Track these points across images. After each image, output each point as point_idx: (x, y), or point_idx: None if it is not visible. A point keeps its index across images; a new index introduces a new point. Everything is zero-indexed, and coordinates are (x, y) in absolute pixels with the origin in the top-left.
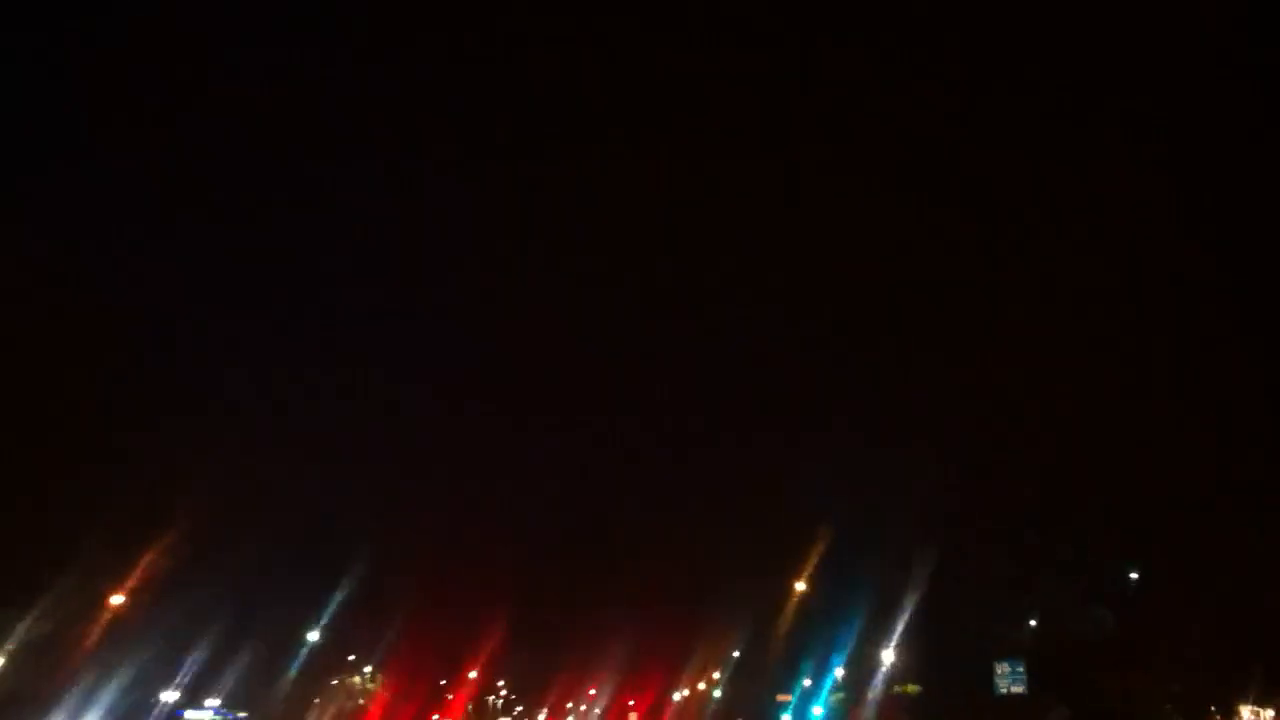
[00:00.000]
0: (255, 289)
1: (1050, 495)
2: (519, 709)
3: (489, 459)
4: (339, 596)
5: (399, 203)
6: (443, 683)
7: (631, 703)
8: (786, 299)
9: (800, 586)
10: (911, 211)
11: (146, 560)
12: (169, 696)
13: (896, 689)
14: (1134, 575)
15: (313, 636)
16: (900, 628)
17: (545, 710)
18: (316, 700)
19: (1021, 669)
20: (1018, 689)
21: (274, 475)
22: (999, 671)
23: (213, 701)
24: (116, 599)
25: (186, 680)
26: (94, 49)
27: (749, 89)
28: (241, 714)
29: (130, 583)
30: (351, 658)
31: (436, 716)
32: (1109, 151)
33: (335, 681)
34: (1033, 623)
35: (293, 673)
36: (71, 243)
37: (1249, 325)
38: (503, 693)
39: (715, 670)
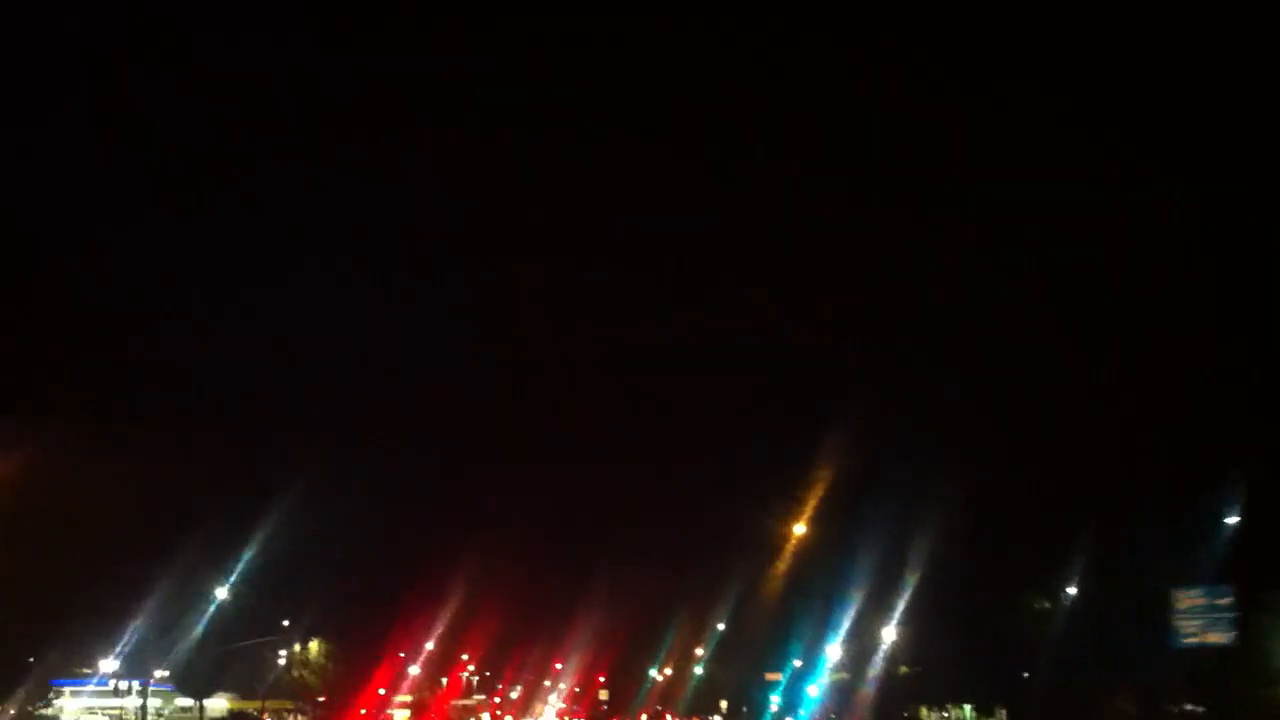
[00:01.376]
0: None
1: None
2: (499, 686)
3: (464, 427)
4: (252, 553)
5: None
6: (401, 655)
7: (602, 679)
8: (787, 295)
9: (799, 529)
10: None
11: None
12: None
13: (917, 669)
14: (1231, 521)
15: (221, 593)
16: (903, 603)
17: (519, 688)
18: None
19: (1227, 600)
20: (1217, 636)
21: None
22: (1181, 605)
23: (161, 673)
24: None
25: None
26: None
27: (749, 89)
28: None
29: None
30: (286, 623)
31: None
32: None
33: (283, 653)
34: (1071, 590)
35: (199, 633)
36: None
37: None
38: (470, 667)
39: (698, 646)
